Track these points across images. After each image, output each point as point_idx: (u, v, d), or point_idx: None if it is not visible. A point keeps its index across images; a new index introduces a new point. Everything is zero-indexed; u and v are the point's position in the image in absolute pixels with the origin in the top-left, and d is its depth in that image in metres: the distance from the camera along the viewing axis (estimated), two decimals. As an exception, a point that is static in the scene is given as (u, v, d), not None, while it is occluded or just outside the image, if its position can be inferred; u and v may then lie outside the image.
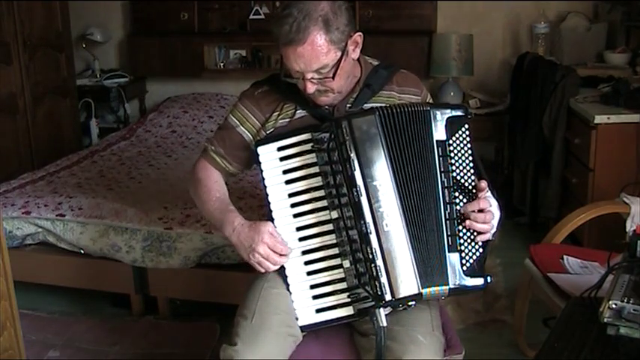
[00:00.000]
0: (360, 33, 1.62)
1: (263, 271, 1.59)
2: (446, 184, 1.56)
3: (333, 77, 1.57)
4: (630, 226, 2.36)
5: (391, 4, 4.16)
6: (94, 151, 3.81)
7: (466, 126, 1.59)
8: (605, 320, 1.36)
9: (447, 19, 4.25)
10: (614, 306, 1.35)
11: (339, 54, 1.56)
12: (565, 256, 2.26)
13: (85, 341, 2.63)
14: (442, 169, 1.56)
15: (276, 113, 1.70)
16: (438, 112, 1.57)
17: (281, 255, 1.57)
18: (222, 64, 4.54)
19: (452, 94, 4.04)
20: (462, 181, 1.57)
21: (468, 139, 1.58)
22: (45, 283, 2.90)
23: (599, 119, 2.78)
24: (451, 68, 4.00)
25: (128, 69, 4.65)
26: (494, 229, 1.58)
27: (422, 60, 4.12)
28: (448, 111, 1.58)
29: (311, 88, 1.58)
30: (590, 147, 2.82)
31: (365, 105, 1.67)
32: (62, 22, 4.25)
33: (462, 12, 4.24)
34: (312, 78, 1.57)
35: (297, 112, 1.69)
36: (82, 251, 2.80)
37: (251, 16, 4.37)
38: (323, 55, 1.53)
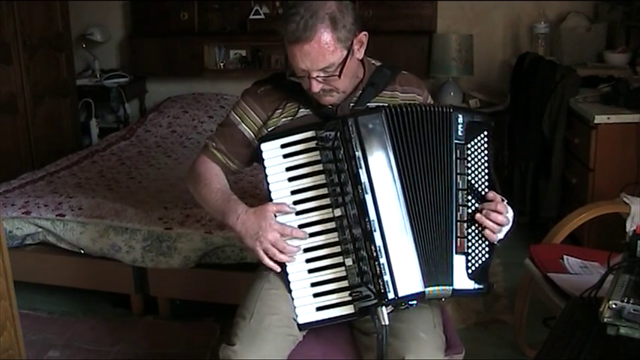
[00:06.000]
0: (365, 32, 1.63)
1: (267, 260, 1.57)
2: (460, 186, 1.56)
3: (339, 76, 1.57)
4: (630, 226, 2.35)
5: (391, 4, 4.16)
6: (94, 151, 3.81)
7: (486, 133, 1.60)
8: (605, 320, 1.35)
9: (447, 19, 4.25)
10: (614, 306, 1.35)
11: (345, 53, 1.56)
12: (565, 256, 2.26)
13: (85, 341, 2.63)
14: (458, 171, 1.56)
15: (279, 111, 1.70)
16: (460, 115, 1.58)
17: (291, 239, 1.55)
18: (222, 64, 4.53)
19: (452, 94, 4.04)
20: (476, 186, 1.57)
21: (486, 145, 1.59)
22: (45, 283, 2.90)
23: (599, 119, 2.78)
24: (451, 68, 4.00)
25: (128, 69, 4.64)
26: (502, 236, 1.57)
27: (422, 60, 4.12)
28: (470, 115, 1.59)
29: (316, 87, 1.58)
30: (590, 147, 2.82)
31: (368, 104, 1.67)
32: (62, 22, 4.26)
33: (462, 12, 4.24)
34: (318, 77, 1.57)
35: (300, 110, 1.69)
36: (82, 251, 2.80)
37: (251, 16, 4.37)
38: (329, 54, 1.54)
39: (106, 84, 4.48)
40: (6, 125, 3.79)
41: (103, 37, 4.58)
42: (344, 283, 1.55)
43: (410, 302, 1.54)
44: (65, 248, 2.83)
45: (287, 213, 1.57)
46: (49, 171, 3.40)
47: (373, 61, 1.76)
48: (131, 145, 3.97)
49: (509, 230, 1.59)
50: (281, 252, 1.56)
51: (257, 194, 2.82)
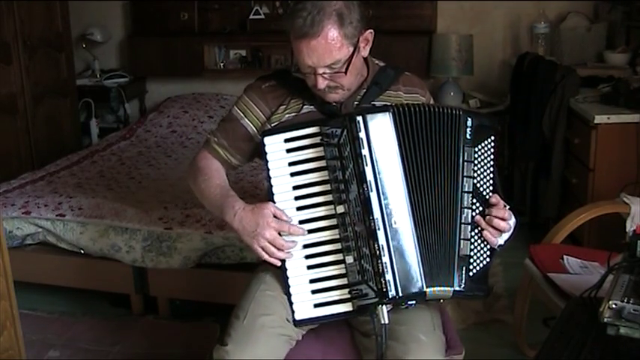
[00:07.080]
0: (371, 30, 1.63)
1: (266, 256, 1.56)
2: (466, 189, 1.55)
3: (345, 72, 1.57)
4: (630, 226, 2.35)
5: (391, 4, 4.16)
6: (94, 151, 3.81)
7: (493, 137, 1.59)
8: (605, 320, 1.35)
9: (447, 19, 4.25)
10: (614, 306, 1.35)
11: (351, 49, 1.56)
12: (565, 256, 2.26)
13: (85, 341, 2.63)
14: (464, 174, 1.55)
15: (283, 107, 1.70)
16: (470, 118, 1.57)
17: (288, 235, 1.55)
18: (222, 64, 4.53)
19: (452, 94, 4.04)
20: (481, 189, 1.57)
21: (492, 149, 1.59)
22: (45, 283, 2.90)
23: (599, 119, 2.78)
24: (451, 68, 4.00)
25: (128, 69, 4.65)
26: (502, 242, 1.57)
27: (422, 60, 4.11)
28: (479, 119, 1.59)
29: (322, 84, 1.58)
30: (590, 147, 2.82)
31: (372, 102, 1.67)
32: (62, 22, 4.26)
33: (462, 12, 4.24)
34: (324, 73, 1.57)
35: (305, 107, 1.69)
36: (82, 251, 2.80)
37: (251, 16, 4.37)
38: (336, 50, 1.54)
39: (106, 84, 4.48)
40: (6, 125, 3.79)
41: (103, 37, 4.58)
42: (344, 281, 1.54)
43: (410, 302, 1.53)
44: (65, 248, 2.83)
45: (284, 221, 1.56)
46: (49, 171, 3.40)
47: (377, 61, 1.76)
48: (131, 145, 3.97)
49: (509, 237, 1.58)
50: (279, 250, 1.56)
51: (257, 194, 2.82)
